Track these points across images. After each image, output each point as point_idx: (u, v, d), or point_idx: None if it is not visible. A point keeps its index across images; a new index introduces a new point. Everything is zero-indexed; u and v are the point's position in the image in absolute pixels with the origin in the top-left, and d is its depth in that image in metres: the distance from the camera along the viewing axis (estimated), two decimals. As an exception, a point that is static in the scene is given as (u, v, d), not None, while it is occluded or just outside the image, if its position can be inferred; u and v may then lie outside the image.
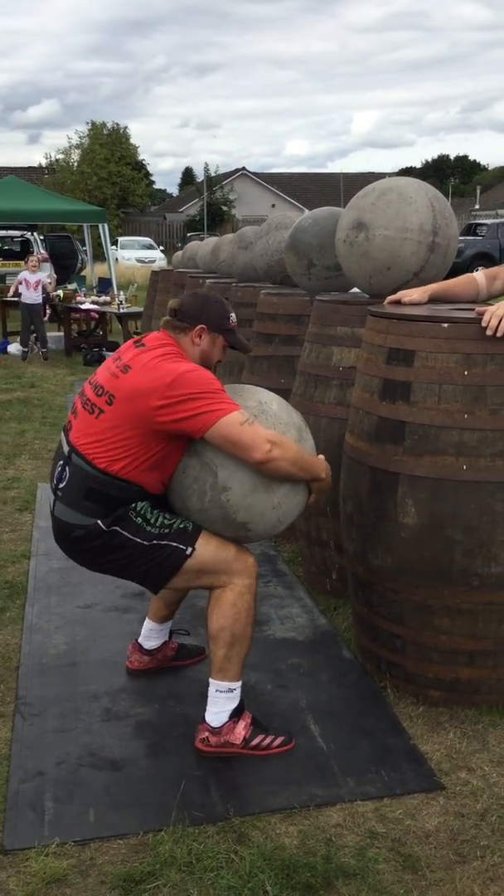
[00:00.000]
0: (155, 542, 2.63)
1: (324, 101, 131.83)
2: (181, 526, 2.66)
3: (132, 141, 40.23)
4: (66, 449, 2.70)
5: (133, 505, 2.65)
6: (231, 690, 2.74)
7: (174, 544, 2.64)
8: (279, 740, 2.76)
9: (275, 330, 4.69)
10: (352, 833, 2.41)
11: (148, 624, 3.25)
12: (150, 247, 32.29)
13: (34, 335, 11.71)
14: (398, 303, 3.16)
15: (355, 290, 4.40)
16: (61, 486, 2.68)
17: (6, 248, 18.55)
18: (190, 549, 2.63)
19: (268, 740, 2.75)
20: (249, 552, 2.74)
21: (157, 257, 29.74)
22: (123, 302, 12.00)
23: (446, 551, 2.86)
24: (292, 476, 2.66)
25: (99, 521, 2.62)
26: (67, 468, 2.67)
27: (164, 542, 2.63)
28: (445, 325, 2.86)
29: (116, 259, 22.98)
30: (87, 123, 42.04)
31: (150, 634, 3.25)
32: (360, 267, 3.81)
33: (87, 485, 2.62)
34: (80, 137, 40.08)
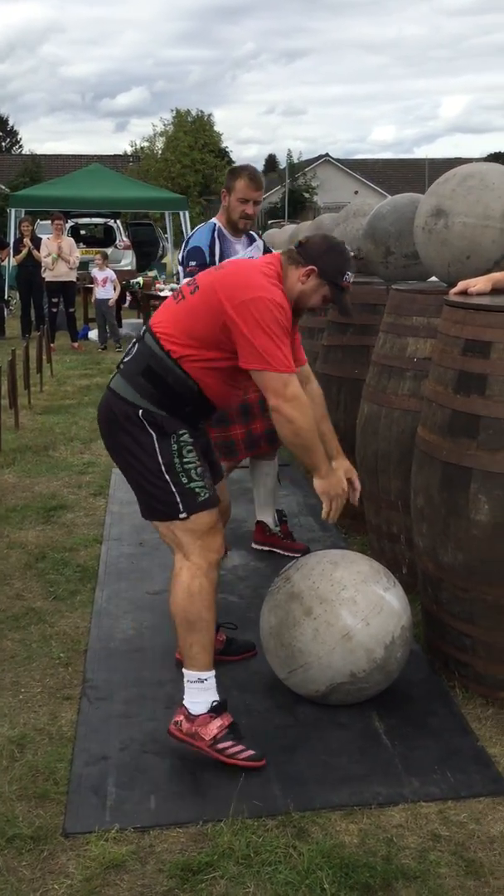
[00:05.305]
0: (166, 477, 2.59)
1: (413, 85, 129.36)
2: (197, 490, 2.61)
3: (216, 128, 40.33)
4: (142, 329, 2.76)
5: (179, 434, 2.61)
6: (201, 680, 2.64)
7: (177, 500, 2.59)
8: (248, 753, 2.60)
9: (349, 319, 4.61)
10: (414, 834, 2.37)
11: None
12: (230, 234, 32.34)
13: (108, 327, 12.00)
14: (464, 293, 3.07)
15: (433, 278, 4.30)
16: (126, 359, 2.72)
17: (90, 235, 18.83)
18: (185, 515, 2.59)
19: (236, 749, 2.60)
20: (220, 541, 2.67)
21: (238, 245, 29.75)
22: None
23: (520, 550, 2.77)
24: (287, 439, 2.62)
25: (143, 410, 2.60)
26: (137, 345, 2.72)
27: (171, 488, 2.59)
28: (525, 316, 2.76)
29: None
30: (172, 111, 42.31)
31: None
32: (439, 255, 3.72)
33: (148, 363, 2.64)
34: (164, 125, 40.39)
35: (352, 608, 2.79)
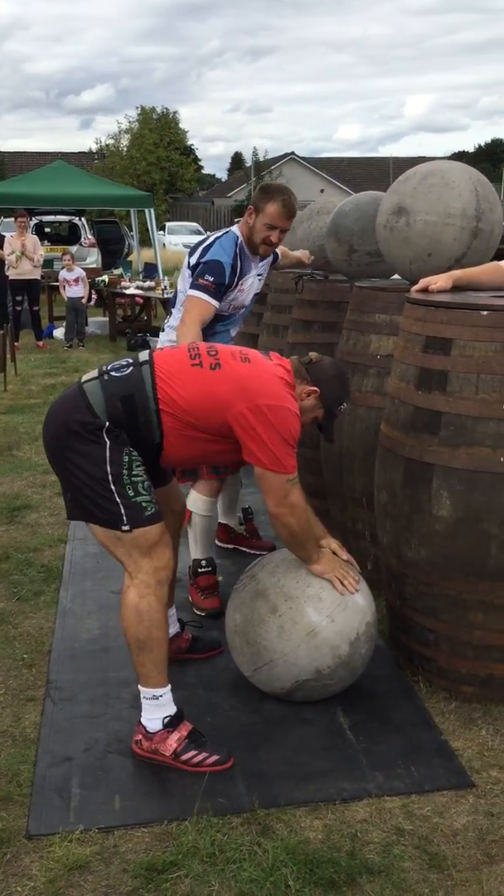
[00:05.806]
0: (112, 488, 2.55)
1: (378, 84, 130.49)
2: (144, 504, 2.58)
3: (181, 126, 40.26)
4: (144, 357, 2.69)
5: (131, 449, 2.60)
6: (156, 697, 2.62)
7: (121, 511, 2.55)
8: (213, 759, 2.60)
9: (314, 317, 4.63)
10: (378, 829, 2.38)
11: None
12: (197, 232, 32.25)
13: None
14: (425, 290, 3.09)
15: (396, 276, 4.32)
16: (114, 374, 2.65)
17: (54, 232, 18.67)
18: (128, 528, 2.56)
19: (199, 757, 2.60)
20: (168, 555, 2.64)
21: (205, 243, 29.62)
22: (168, 287, 12.01)
23: (482, 545, 2.80)
24: (285, 540, 2.81)
25: (107, 424, 2.57)
26: (132, 369, 2.65)
27: (115, 499, 2.55)
28: (485, 312, 2.79)
29: (164, 244, 23.01)
30: (137, 108, 42.12)
31: None
32: (401, 253, 3.73)
33: (133, 392, 2.59)
34: (129, 122, 40.22)
35: (317, 605, 2.80)
